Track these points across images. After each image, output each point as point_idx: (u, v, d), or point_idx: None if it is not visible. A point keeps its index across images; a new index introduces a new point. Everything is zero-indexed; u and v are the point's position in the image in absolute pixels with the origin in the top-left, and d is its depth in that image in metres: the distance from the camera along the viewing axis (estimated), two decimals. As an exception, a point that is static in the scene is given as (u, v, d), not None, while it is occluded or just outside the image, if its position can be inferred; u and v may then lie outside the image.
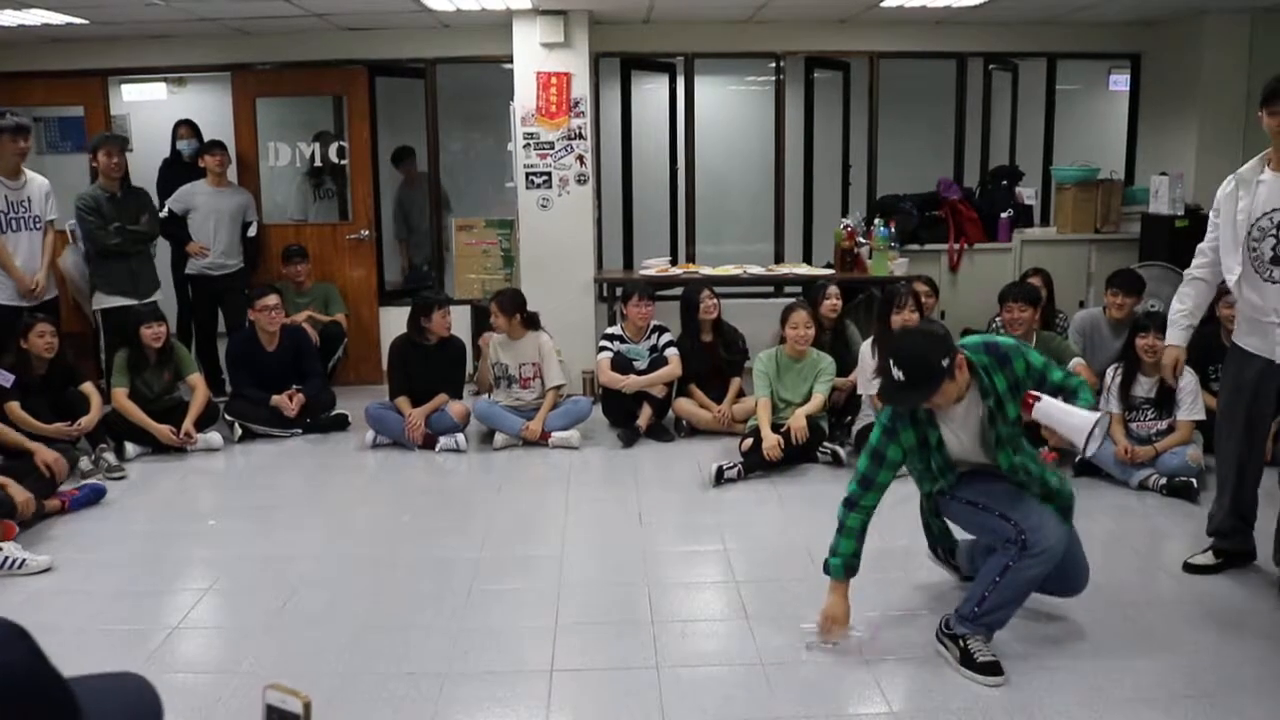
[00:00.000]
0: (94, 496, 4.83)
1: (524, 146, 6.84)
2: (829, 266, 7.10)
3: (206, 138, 6.99)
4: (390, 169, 7.90)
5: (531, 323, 5.96)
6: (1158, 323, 4.97)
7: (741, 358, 6.07)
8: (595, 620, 3.54)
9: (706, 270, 6.98)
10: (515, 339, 5.93)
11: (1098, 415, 2.92)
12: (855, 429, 5.44)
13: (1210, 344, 5.36)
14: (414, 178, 8.13)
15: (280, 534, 4.53)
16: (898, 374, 2.92)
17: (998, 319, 5.64)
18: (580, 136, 6.82)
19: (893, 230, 6.95)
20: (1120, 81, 8.17)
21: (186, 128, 7.13)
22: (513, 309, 5.87)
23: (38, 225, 5.77)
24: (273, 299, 6.09)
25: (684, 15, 7.02)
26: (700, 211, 7.66)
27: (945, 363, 2.89)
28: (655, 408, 5.89)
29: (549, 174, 6.86)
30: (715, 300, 5.99)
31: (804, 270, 7.07)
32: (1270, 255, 3.52)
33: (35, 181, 5.84)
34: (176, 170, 7.04)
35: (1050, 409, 2.98)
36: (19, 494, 4.34)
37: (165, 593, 3.87)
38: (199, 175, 6.86)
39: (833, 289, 5.99)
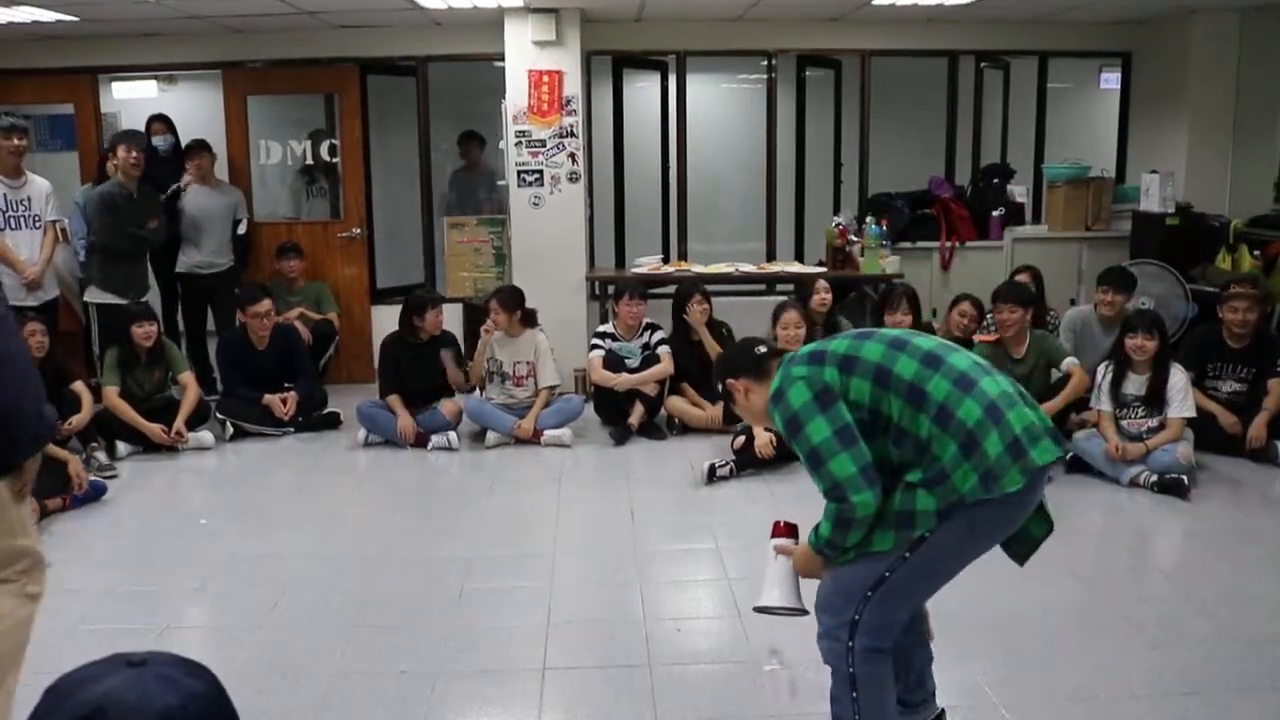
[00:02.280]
0: (95, 494, 4.83)
1: (516, 144, 6.83)
2: (821, 264, 7.11)
3: (199, 136, 6.93)
4: (384, 166, 7.83)
5: (529, 320, 5.96)
6: (1147, 321, 4.99)
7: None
8: (587, 618, 3.54)
9: (698, 268, 6.98)
10: (513, 336, 5.92)
11: (780, 605, 2.49)
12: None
13: (1209, 343, 5.39)
14: (475, 161, 8.01)
15: (272, 533, 4.53)
16: None
17: (990, 317, 5.65)
18: (572, 134, 6.81)
19: (884, 228, 6.96)
20: (1111, 80, 8.18)
21: (160, 123, 7.03)
22: (513, 305, 5.88)
23: (37, 224, 5.87)
24: (265, 305, 6.06)
25: (675, 13, 7.02)
26: (692, 209, 7.65)
27: (719, 386, 2.64)
28: (647, 406, 5.89)
29: (541, 172, 6.85)
30: (705, 305, 5.99)
31: (796, 268, 7.07)
32: None
33: (36, 182, 5.90)
34: (154, 166, 7.00)
35: (770, 554, 2.53)
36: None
37: (156, 592, 3.86)
38: (176, 171, 6.82)
39: (822, 283, 6.01)
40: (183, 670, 1.07)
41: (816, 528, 2.35)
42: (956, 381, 2.25)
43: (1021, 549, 2.40)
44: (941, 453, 2.20)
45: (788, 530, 2.53)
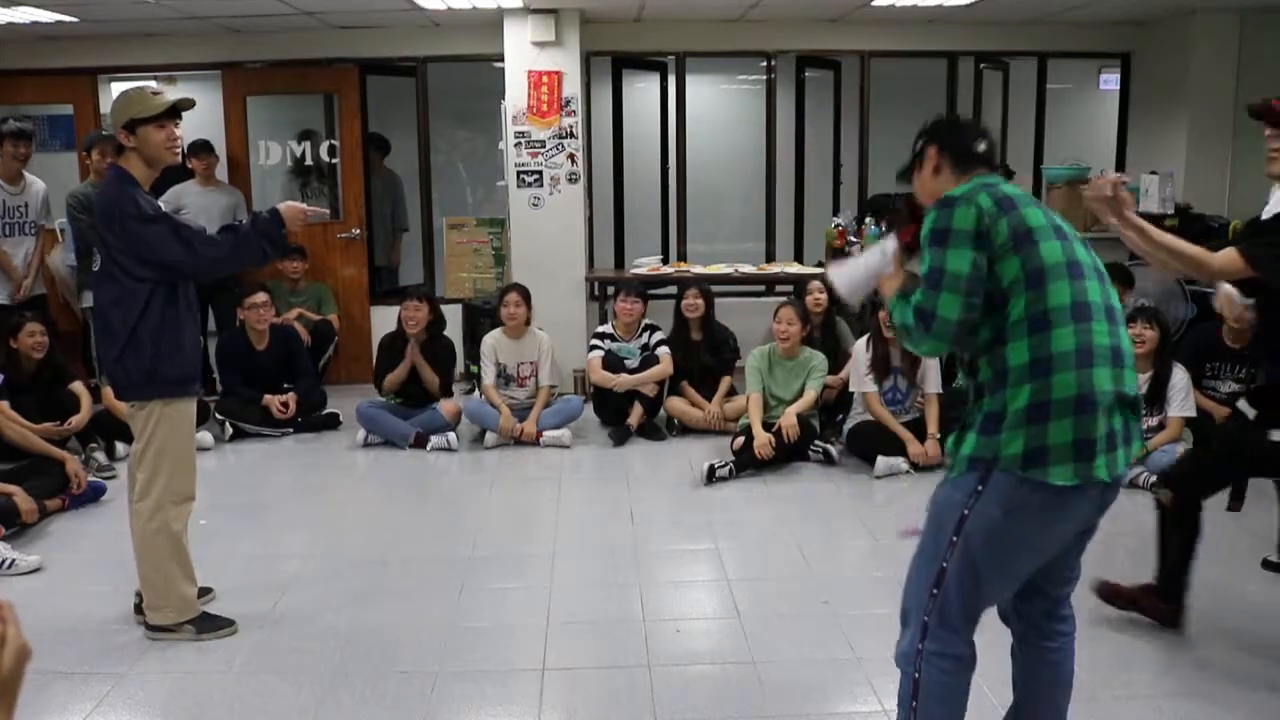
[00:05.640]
0: (94, 494, 4.82)
1: (515, 145, 6.83)
2: (820, 265, 7.11)
3: (197, 136, 6.92)
4: (380, 166, 7.82)
5: (528, 319, 5.99)
6: (1147, 314, 4.99)
7: (733, 356, 6.07)
8: (587, 619, 3.54)
9: (698, 269, 6.98)
10: (518, 337, 5.92)
11: (837, 283, 2.53)
12: (846, 427, 5.44)
13: (1208, 341, 5.39)
14: (379, 166, 7.74)
15: (271, 533, 4.53)
16: None
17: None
18: (571, 135, 6.82)
19: (884, 229, 6.96)
20: (1110, 81, 8.19)
21: None
22: (529, 300, 5.93)
23: (33, 230, 5.86)
24: (261, 297, 6.07)
25: (675, 14, 7.02)
26: (691, 210, 7.65)
27: (918, 143, 2.49)
28: (646, 406, 5.89)
29: (540, 173, 6.86)
30: (698, 300, 5.99)
31: (795, 269, 7.07)
32: None
33: (34, 186, 5.93)
34: None
35: (882, 246, 2.53)
36: (24, 503, 4.32)
37: (156, 592, 3.85)
38: (174, 171, 6.79)
39: (815, 283, 5.98)
40: None
41: (907, 300, 2.27)
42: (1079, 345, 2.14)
43: None
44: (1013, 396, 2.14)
45: (912, 240, 2.42)
